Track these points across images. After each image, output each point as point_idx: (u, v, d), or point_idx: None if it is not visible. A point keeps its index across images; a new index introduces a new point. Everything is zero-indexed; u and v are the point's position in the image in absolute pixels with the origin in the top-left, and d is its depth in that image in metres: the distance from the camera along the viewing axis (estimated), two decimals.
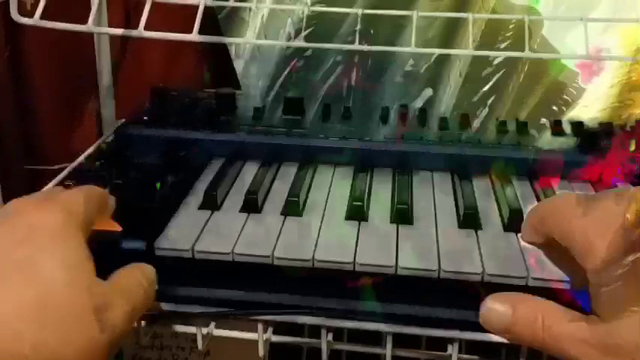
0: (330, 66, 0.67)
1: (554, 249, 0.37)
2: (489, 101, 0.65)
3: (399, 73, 0.66)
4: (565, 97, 0.65)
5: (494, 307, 0.36)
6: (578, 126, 0.56)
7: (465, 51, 0.47)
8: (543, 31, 0.62)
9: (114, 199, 0.42)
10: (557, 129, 0.56)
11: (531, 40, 0.59)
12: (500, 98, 0.64)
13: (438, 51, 0.51)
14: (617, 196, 0.33)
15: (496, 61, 0.65)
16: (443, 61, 0.64)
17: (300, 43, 0.47)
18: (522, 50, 0.44)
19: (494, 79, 0.64)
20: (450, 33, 0.63)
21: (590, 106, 0.63)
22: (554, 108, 0.65)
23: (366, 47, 0.48)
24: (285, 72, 0.67)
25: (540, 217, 0.37)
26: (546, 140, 0.55)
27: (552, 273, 0.39)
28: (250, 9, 0.62)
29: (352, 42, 0.60)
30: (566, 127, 0.57)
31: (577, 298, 0.34)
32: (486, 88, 0.64)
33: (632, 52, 0.62)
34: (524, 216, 0.38)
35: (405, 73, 0.66)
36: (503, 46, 0.63)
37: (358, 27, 0.50)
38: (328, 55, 0.67)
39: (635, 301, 0.30)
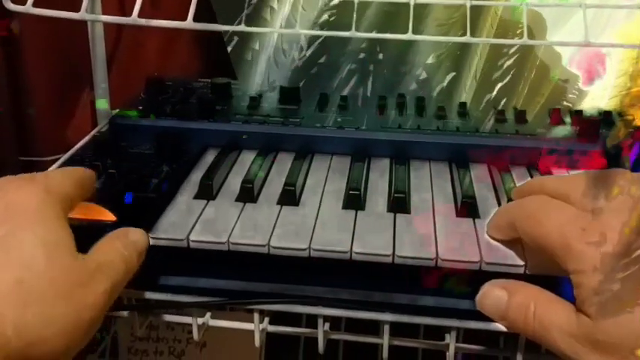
0: (345, 75, 0.67)
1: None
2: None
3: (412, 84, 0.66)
4: (566, 103, 0.65)
5: (491, 292, 0.36)
6: (577, 115, 0.56)
7: (461, 38, 0.47)
8: (547, 36, 0.62)
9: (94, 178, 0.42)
10: (556, 118, 0.56)
11: (536, 45, 0.59)
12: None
13: (431, 38, 0.50)
14: (587, 195, 0.34)
15: (499, 85, 0.65)
16: (454, 82, 0.64)
17: (295, 30, 0.47)
18: (530, 60, 0.44)
19: (501, 103, 0.64)
20: (462, 45, 0.62)
21: None
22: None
23: (357, 34, 0.48)
24: (301, 84, 0.66)
25: (509, 222, 0.38)
26: (545, 129, 0.55)
27: None
28: (271, 8, 0.62)
29: (365, 50, 0.60)
30: (566, 116, 0.56)
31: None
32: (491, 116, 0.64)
33: (633, 57, 0.61)
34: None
35: (420, 82, 0.66)
36: (512, 51, 0.63)
37: (354, 17, 0.49)
38: (343, 64, 0.66)
39: (628, 303, 0.29)
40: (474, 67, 0.65)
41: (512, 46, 0.63)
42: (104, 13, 0.61)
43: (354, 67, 0.66)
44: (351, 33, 0.46)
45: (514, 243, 0.39)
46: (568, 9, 0.59)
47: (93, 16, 0.53)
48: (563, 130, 0.54)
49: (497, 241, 0.41)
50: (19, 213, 0.32)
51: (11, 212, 0.32)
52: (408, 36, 0.46)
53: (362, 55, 0.65)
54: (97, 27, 0.58)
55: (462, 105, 0.58)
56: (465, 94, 0.66)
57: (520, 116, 0.56)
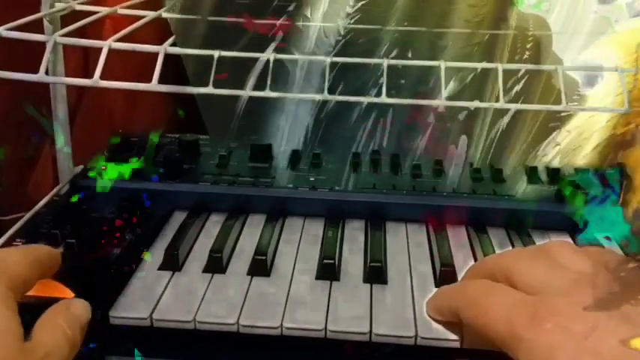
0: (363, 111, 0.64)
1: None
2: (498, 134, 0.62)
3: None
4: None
5: None
6: (554, 173, 0.55)
7: (437, 103, 0.45)
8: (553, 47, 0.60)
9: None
10: (532, 177, 0.55)
11: (543, 56, 0.57)
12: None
13: (407, 101, 0.48)
14: (528, 274, 0.32)
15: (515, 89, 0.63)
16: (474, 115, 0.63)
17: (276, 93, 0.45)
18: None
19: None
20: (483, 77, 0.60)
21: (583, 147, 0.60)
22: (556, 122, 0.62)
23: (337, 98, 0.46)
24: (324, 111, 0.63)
25: (450, 308, 0.37)
26: (522, 189, 0.54)
27: None
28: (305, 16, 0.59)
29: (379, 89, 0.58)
30: (542, 175, 0.55)
31: None
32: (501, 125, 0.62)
33: (632, 62, 0.59)
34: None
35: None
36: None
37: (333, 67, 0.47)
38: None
39: None
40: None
41: (524, 47, 0.60)
42: (67, 66, 0.59)
43: (375, 93, 0.63)
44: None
45: (455, 325, 0.38)
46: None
47: (52, 78, 0.51)
48: (540, 190, 0.53)
49: (438, 322, 0.39)
50: None
51: None
52: (382, 99, 0.44)
53: (381, 81, 0.63)
54: (58, 87, 0.56)
55: (438, 162, 0.57)
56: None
57: (497, 175, 0.55)
